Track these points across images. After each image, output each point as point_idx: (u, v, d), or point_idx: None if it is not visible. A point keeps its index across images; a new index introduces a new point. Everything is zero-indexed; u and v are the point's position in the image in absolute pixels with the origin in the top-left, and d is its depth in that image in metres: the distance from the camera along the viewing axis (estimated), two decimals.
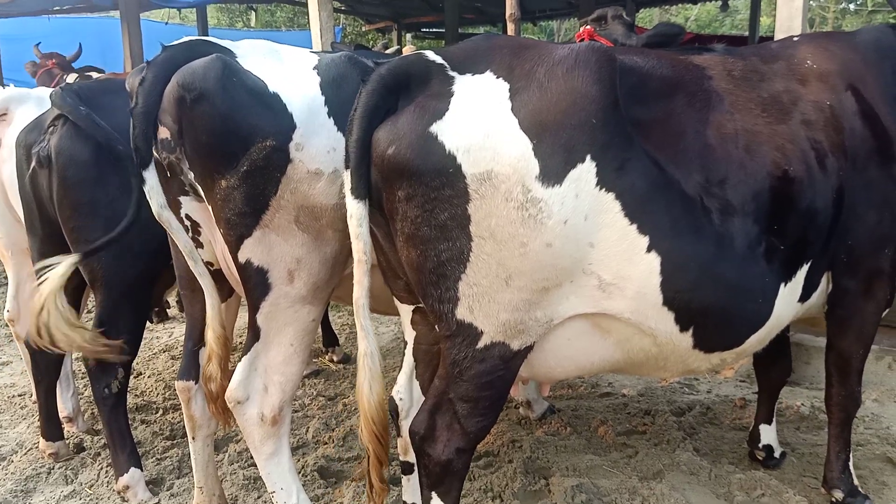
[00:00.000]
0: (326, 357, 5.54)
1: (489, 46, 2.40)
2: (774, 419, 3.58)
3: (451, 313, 2.32)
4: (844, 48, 2.86)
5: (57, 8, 11.76)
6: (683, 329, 2.46)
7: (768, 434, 3.55)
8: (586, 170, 2.23)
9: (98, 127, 3.21)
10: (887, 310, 3.00)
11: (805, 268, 2.65)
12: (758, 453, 3.56)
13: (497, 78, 2.28)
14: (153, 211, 2.67)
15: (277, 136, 2.52)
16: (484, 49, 2.39)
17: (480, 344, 2.34)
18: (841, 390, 3.03)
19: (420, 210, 2.24)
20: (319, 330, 5.67)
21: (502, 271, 2.25)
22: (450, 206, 2.21)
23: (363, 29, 19.76)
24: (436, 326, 2.43)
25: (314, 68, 2.71)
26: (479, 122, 2.21)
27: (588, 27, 3.92)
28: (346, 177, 2.33)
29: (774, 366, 3.48)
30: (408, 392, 2.84)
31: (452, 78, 2.30)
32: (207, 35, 12.41)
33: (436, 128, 2.21)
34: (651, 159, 2.33)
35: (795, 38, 3.02)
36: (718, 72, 2.64)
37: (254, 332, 2.74)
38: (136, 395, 4.80)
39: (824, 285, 2.85)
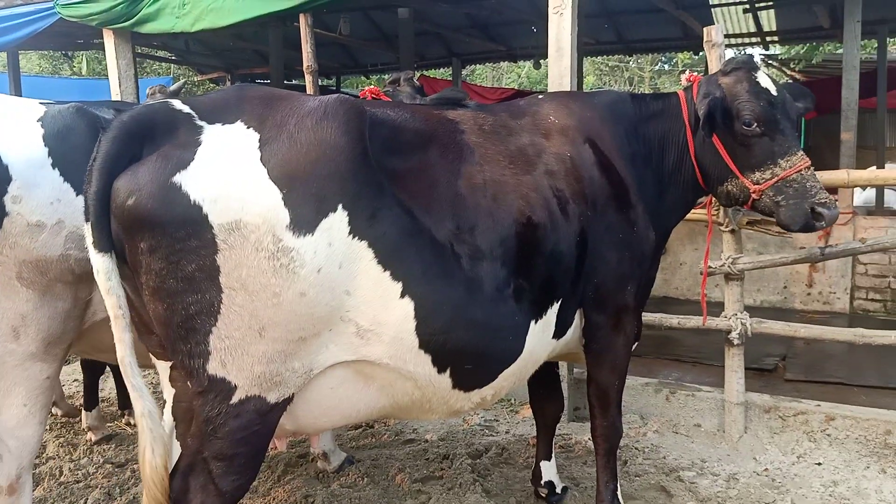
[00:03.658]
0: (123, 420, 5.16)
1: (240, 97, 2.40)
2: (553, 455, 3.74)
3: (202, 368, 2.24)
4: (583, 106, 3.15)
5: None
6: (441, 370, 2.54)
7: (549, 470, 3.71)
8: (338, 219, 2.26)
9: None
10: (637, 343, 3.26)
11: (555, 306, 2.83)
12: (540, 490, 3.70)
13: (247, 128, 2.28)
14: None
15: None
16: (235, 99, 2.38)
17: (235, 399, 2.27)
18: (603, 421, 3.23)
19: (165, 262, 2.16)
20: (113, 390, 5.31)
21: (255, 322, 2.21)
22: (197, 257, 2.16)
23: (196, 79, 19.25)
24: (187, 383, 2.34)
25: (38, 120, 2.65)
26: (227, 172, 2.19)
27: (373, 87, 4.07)
28: (87, 230, 2.22)
29: (548, 403, 3.66)
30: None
31: (200, 127, 2.26)
32: (20, 83, 11.57)
33: (179, 178, 2.16)
34: (403, 208, 2.41)
35: (540, 96, 3.29)
36: (470, 126, 2.80)
37: None
38: None
39: (578, 322, 3.06)
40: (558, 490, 3.70)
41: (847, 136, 7.39)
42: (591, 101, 3.27)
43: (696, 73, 3.50)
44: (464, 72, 15.78)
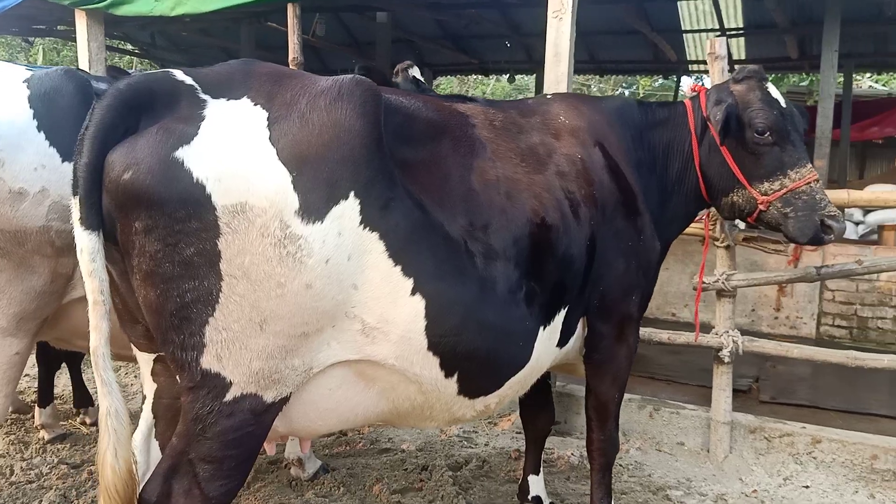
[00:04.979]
0: (78, 419, 4.87)
1: (247, 71, 2.23)
2: (542, 469, 3.61)
3: (195, 362, 2.05)
4: (592, 109, 3.07)
5: None
6: (448, 375, 2.40)
7: (536, 485, 3.58)
8: (350, 207, 2.11)
9: None
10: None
11: (563, 312, 2.72)
12: None
13: (255, 105, 2.11)
14: None
15: None
16: (241, 74, 2.21)
17: (229, 396, 2.09)
18: (601, 435, 3.12)
19: (161, 244, 1.98)
20: (67, 386, 5.03)
21: (256, 315, 2.04)
22: (197, 240, 1.98)
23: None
24: (177, 377, 2.15)
25: (24, 81, 2.48)
26: (233, 150, 2.02)
27: None
28: (75, 204, 2.02)
29: (540, 416, 3.53)
30: (144, 454, 2.48)
31: (204, 101, 2.09)
32: None
33: (182, 153, 1.98)
34: (415, 200, 2.27)
35: (549, 96, 3.20)
36: (481, 120, 2.69)
37: None
38: None
39: (580, 330, 2.95)
40: None
41: (820, 164, 7.50)
42: (599, 104, 3.20)
43: (699, 84, 3.46)
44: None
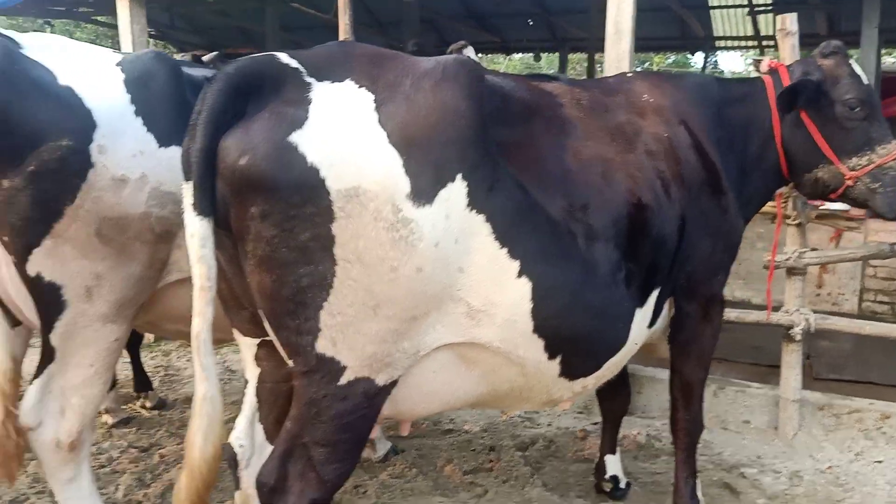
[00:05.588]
0: (138, 403, 4.92)
1: (346, 53, 2.21)
2: (618, 449, 3.62)
3: (310, 347, 2.06)
4: (674, 87, 3.03)
5: None
6: (552, 357, 2.39)
7: (613, 465, 3.58)
8: (457, 189, 2.09)
9: None
10: None
11: (655, 293, 2.70)
12: (604, 485, 3.57)
13: (359, 87, 2.09)
14: None
15: (74, 135, 2.27)
16: (341, 56, 2.19)
17: (343, 380, 2.10)
18: (686, 415, 3.11)
19: (277, 229, 1.97)
20: (123, 371, 5.07)
21: (370, 299, 2.04)
22: (312, 225, 1.97)
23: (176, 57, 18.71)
24: (290, 362, 2.15)
25: (117, 64, 2.48)
26: (345, 134, 2.01)
27: None
28: (188, 190, 2.02)
29: (617, 396, 3.52)
30: (249, 438, 2.51)
31: (309, 84, 2.07)
32: None
33: (296, 137, 1.97)
34: (516, 182, 2.25)
35: (630, 74, 3.16)
36: (568, 100, 2.66)
37: (48, 354, 2.47)
38: None
39: (667, 310, 2.93)
40: (622, 485, 3.57)
41: None
42: (680, 82, 3.15)
43: (774, 60, 3.41)
44: None
